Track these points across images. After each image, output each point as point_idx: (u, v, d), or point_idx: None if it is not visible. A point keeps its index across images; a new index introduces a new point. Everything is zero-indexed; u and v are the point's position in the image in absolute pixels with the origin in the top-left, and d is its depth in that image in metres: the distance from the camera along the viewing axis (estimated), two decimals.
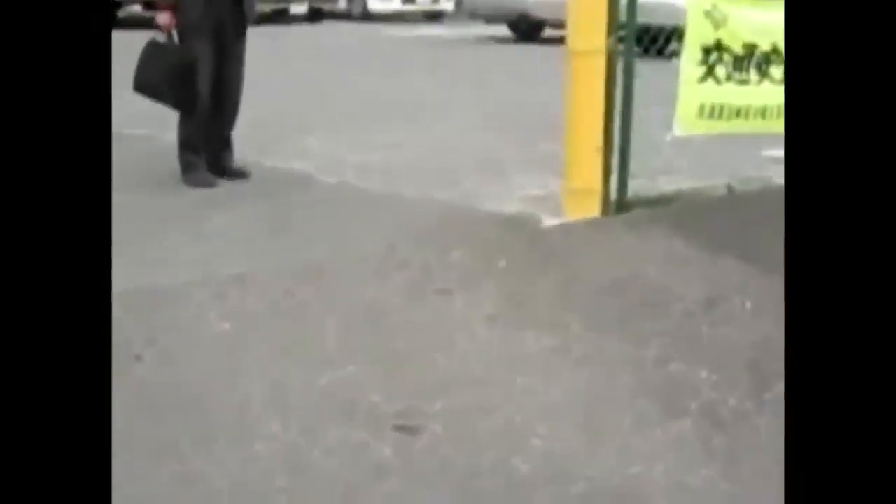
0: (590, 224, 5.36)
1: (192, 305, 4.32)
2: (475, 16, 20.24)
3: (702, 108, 5.38)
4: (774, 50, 5.42)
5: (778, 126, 5.42)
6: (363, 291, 4.49)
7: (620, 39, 5.34)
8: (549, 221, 5.44)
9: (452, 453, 3.28)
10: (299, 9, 22.99)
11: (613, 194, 5.48)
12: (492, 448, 3.30)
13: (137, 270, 4.56)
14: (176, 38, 6.20)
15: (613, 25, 5.30)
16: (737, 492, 3.09)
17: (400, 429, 3.40)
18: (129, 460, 3.10)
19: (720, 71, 5.38)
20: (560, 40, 6.41)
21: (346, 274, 4.70)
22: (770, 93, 5.43)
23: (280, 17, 22.04)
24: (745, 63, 5.41)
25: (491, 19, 19.72)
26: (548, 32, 17.56)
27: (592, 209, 5.41)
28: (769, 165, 6.08)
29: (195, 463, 3.22)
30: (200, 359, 3.88)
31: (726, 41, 5.37)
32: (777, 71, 5.41)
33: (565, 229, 5.29)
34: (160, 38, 6.18)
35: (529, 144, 7.16)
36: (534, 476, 3.17)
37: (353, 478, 3.16)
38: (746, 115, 5.45)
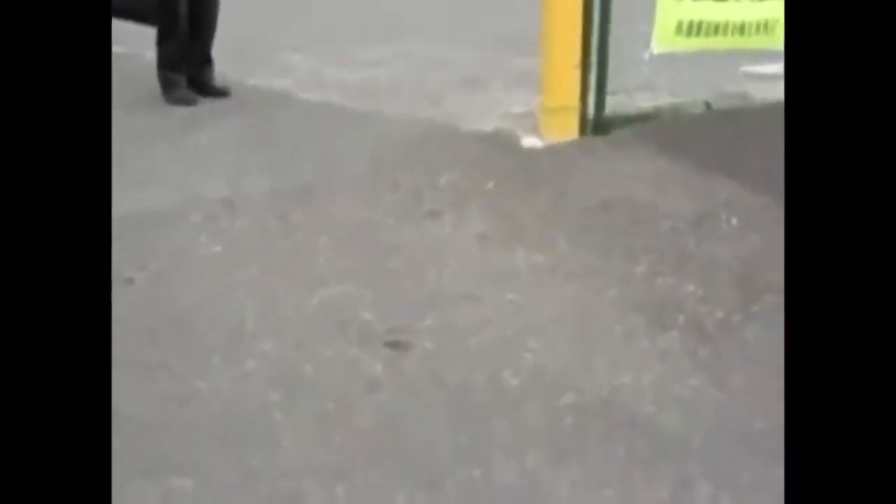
0: (575, 144, 5.35)
1: (182, 228, 4.32)
2: None
3: (680, 24, 5.34)
4: None
5: (756, 42, 5.40)
6: (353, 212, 4.50)
7: None
8: (530, 140, 5.43)
9: (443, 368, 3.33)
10: None
11: (591, 112, 5.47)
12: (482, 363, 3.35)
13: (124, 190, 4.53)
14: None
15: None
16: (724, 400, 3.16)
17: (391, 345, 3.44)
18: (124, 380, 3.12)
19: None
20: None
21: (335, 195, 4.70)
22: (749, 9, 5.39)
23: None
24: None
25: None
26: None
27: (570, 127, 5.39)
28: (747, 81, 6.07)
29: (189, 381, 3.25)
30: (192, 280, 3.90)
31: None
32: None
33: (551, 150, 5.29)
34: None
35: (509, 61, 7.11)
36: (524, 389, 3.23)
37: (345, 392, 3.21)
38: (725, 32, 5.42)
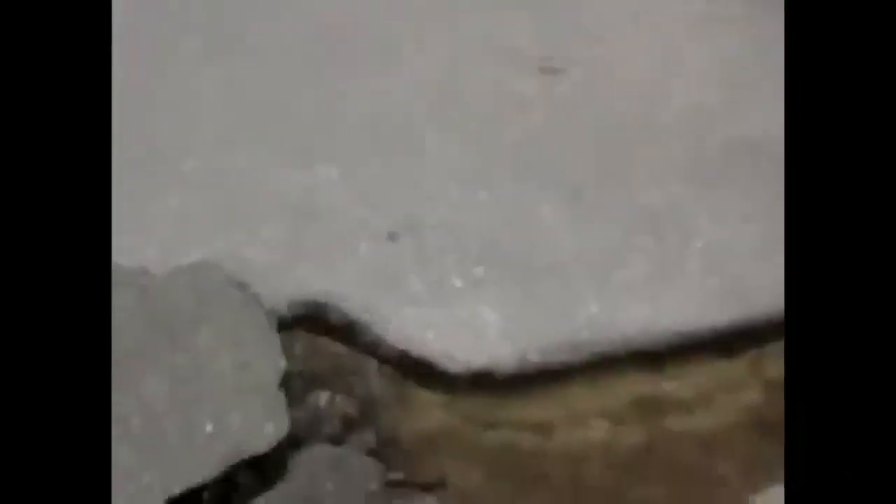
0: None
1: None
2: None
3: None
4: None
5: None
6: None
7: None
8: None
9: (594, 98, 3.28)
10: None
11: None
12: (633, 98, 3.29)
13: None
14: None
15: None
16: None
17: (544, 70, 3.39)
18: (281, 75, 3.17)
19: None
20: None
21: None
22: None
23: None
24: None
25: None
26: None
27: None
28: None
29: (339, 85, 3.28)
30: None
31: None
32: None
33: None
34: None
35: None
36: (674, 124, 3.17)
37: (495, 110, 3.20)
38: None
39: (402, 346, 2.47)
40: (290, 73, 3.30)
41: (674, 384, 2.53)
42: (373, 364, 2.50)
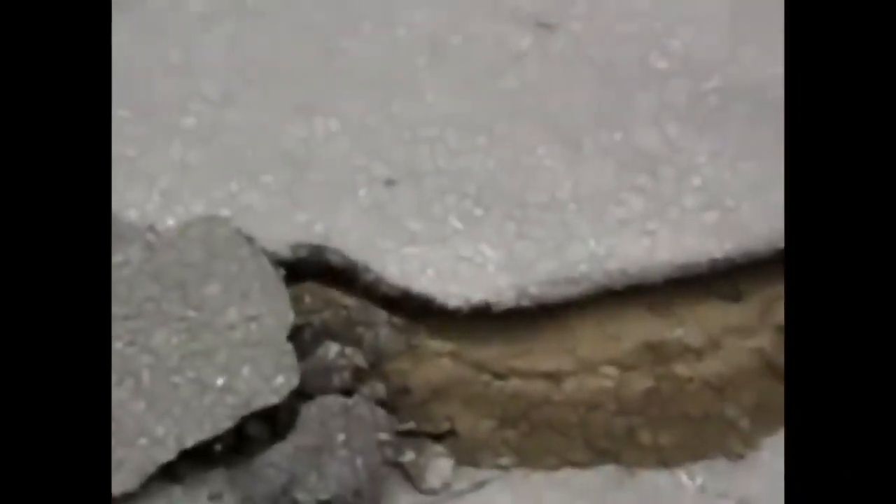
0: None
1: None
2: None
3: None
4: None
5: None
6: None
7: None
8: None
9: (591, 48, 3.29)
10: None
11: None
12: (630, 45, 3.30)
13: None
14: None
15: None
16: None
17: (541, 25, 3.41)
18: (281, 38, 3.20)
19: None
20: None
21: None
22: None
23: None
24: None
25: None
26: None
27: None
28: None
29: (338, 40, 3.30)
30: None
31: None
32: None
33: None
34: None
35: None
36: (670, 70, 3.18)
37: (492, 62, 3.22)
38: None
39: (401, 283, 2.49)
40: (291, 29, 3.33)
41: (682, 330, 2.54)
42: (381, 315, 2.52)
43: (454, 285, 2.48)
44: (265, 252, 2.55)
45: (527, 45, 3.29)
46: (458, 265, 2.53)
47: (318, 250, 2.58)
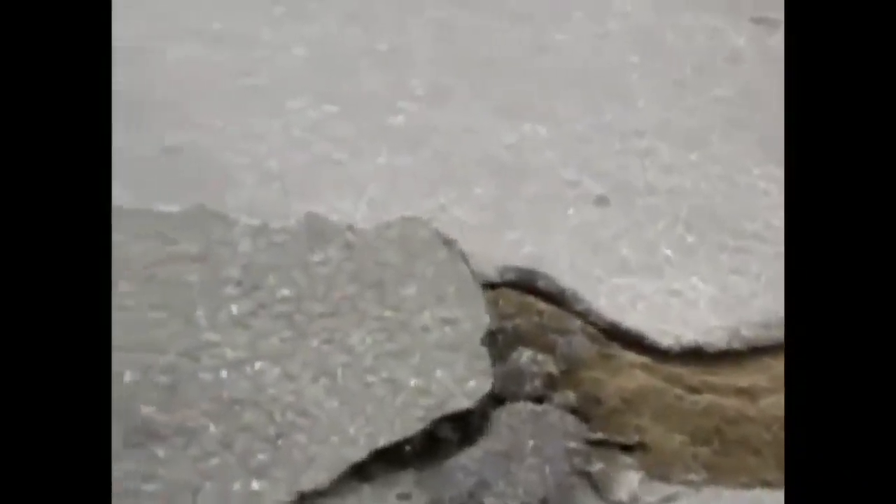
0: None
1: None
2: None
3: None
4: None
5: None
6: None
7: None
8: None
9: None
10: None
11: None
12: None
13: None
14: None
15: None
16: None
17: (758, 21, 3.28)
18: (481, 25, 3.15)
19: None
20: None
21: None
22: None
23: None
24: None
25: None
26: None
27: None
28: None
29: (550, 33, 3.25)
30: None
31: None
32: None
33: None
34: None
35: None
36: None
37: (705, 60, 3.12)
38: None
39: (612, 317, 2.47)
40: (498, 23, 3.29)
41: None
42: (576, 323, 2.51)
43: (665, 322, 2.45)
44: (468, 261, 2.56)
45: (742, 43, 3.17)
46: (670, 300, 2.49)
47: (528, 275, 2.57)
